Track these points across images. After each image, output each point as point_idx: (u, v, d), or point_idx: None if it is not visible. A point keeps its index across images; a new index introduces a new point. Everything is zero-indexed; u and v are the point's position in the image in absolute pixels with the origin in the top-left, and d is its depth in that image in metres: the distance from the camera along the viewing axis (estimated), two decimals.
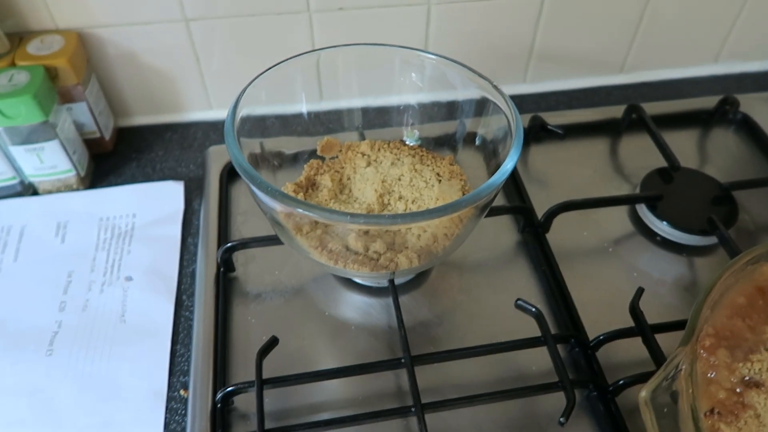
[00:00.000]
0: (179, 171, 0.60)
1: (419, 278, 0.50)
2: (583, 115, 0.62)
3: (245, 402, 0.42)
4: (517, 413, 0.42)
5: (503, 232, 0.53)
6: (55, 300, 0.49)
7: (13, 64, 0.52)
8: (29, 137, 0.52)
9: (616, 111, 0.62)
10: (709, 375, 0.30)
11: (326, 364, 0.43)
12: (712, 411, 0.29)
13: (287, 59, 0.45)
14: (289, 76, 0.46)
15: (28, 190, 0.56)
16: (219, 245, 0.51)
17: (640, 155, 0.59)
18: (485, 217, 0.47)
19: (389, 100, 0.51)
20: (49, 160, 0.54)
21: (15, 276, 0.51)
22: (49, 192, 0.56)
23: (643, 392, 0.29)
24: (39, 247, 0.53)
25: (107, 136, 0.60)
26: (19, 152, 0.52)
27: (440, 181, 0.47)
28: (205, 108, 0.65)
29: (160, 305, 0.49)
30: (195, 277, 0.50)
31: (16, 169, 0.54)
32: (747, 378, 0.30)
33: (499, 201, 0.55)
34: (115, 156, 0.61)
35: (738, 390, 0.30)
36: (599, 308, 0.47)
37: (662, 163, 0.56)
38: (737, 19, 0.66)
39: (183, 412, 0.43)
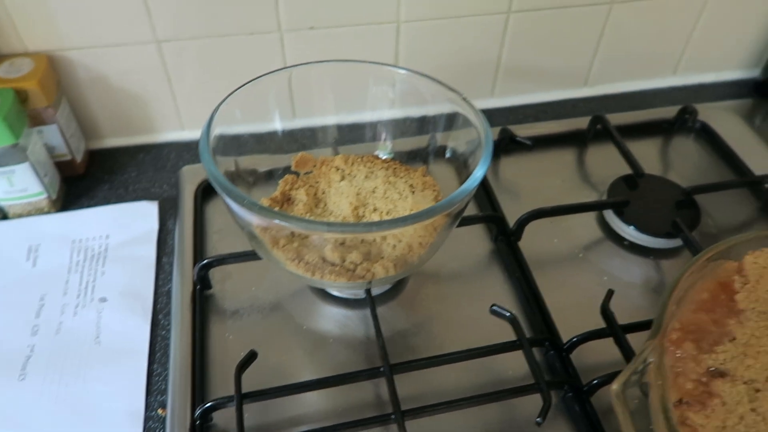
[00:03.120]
0: (153, 191, 0.60)
1: (396, 289, 0.50)
2: (550, 127, 0.64)
3: (225, 418, 0.42)
4: (496, 417, 0.42)
5: (477, 241, 0.54)
6: (27, 324, 0.48)
7: None
8: None
9: (582, 122, 0.64)
10: (676, 367, 0.31)
11: (306, 377, 0.43)
12: (680, 401, 0.30)
13: (260, 76, 0.46)
14: (262, 93, 0.47)
15: None
16: (195, 263, 0.51)
17: (606, 164, 0.61)
18: (459, 226, 0.48)
19: (362, 116, 0.52)
20: (20, 183, 0.53)
21: None
22: (20, 216, 0.56)
23: (615, 385, 0.30)
24: (9, 271, 0.52)
25: (79, 158, 0.60)
26: None
27: (414, 192, 0.48)
28: (177, 128, 0.65)
29: (135, 325, 0.48)
30: (171, 295, 0.50)
31: None
32: (712, 369, 0.31)
33: (472, 211, 0.56)
34: (87, 178, 0.60)
35: (704, 380, 0.31)
36: (572, 312, 0.48)
37: (627, 170, 0.58)
38: (693, 33, 0.69)
39: (161, 431, 0.42)
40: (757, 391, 0.31)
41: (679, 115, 0.65)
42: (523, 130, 0.62)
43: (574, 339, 0.44)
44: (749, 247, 0.37)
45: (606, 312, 0.44)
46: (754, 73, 0.75)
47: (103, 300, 0.50)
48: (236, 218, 0.42)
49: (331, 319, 0.49)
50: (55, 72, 0.56)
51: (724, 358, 0.31)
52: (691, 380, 0.30)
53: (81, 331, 0.48)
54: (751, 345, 0.32)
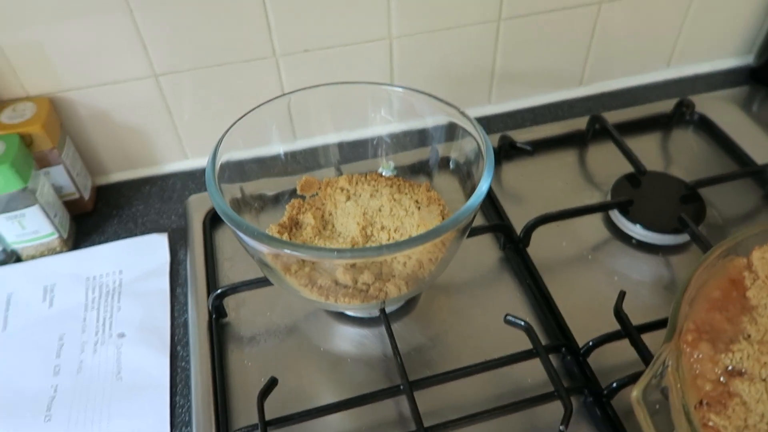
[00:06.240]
0: (161, 223, 0.60)
1: (409, 304, 0.51)
2: (549, 130, 0.65)
3: None
4: (518, 426, 0.42)
5: (485, 250, 0.55)
6: (48, 365, 0.49)
7: None
8: (8, 205, 0.52)
9: (580, 123, 0.64)
10: (694, 369, 0.32)
11: (327, 399, 0.44)
12: (701, 403, 0.31)
13: (260, 105, 0.47)
14: (263, 120, 0.47)
15: (11, 257, 0.56)
16: (209, 292, 0.51)
17: (607, 163, 0.61)
18: (467, 237, 0.48)
19: (362, 134, 0.53)
20: (31, 226, 0.54)
21: (5, 345, 0.50)
22: (33, 257, 0.56)
23: (635, 392, 0.31)
24: (27, 313, 0.52)
25: (86, 195, 0.60)
26: None
27: (419, 208, 0.49)
28: (180, 158, 0.65)
29: (155, 359, 0.49)
30: (188, 326, 0.51)
31: None
32: (730, 368, 0.32)
33: (478, 221, 0.57)
34: (96, 215, 0.61)
35: (723, 380, 0.31)
36: (585, 315, 0.48)
37: (629, 168, 0.58)
38: (683, 24, 0.69)
39: None
40: None
41: (676, 109, 0.65)
42: (523, 135, 0.62)
43: (590, 343, 0.44)
44: (756, 241, 0.37)
45: (620, 314, 0.44)
46: (747, 59, 0.75)
47: (122, 335, 0.51)
48: (247, 248, 0.42)
49: (347, 339, 0.49)
50: (57, 113, 0.57)
51: (740, 357, 0.32)
52: (709, 381, 0.31)
53: (102, 368, 0.49)
54: (766, 342, 0.32)
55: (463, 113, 0.46)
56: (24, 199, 0.52)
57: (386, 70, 0.64)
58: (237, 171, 0.47)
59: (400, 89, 0.49)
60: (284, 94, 0.48)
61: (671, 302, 0.48)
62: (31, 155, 0.53)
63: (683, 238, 0.52)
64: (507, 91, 0.70)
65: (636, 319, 0.45)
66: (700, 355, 0.32)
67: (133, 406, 0.46)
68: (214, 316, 0.50)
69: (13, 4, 0.51)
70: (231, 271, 0.54)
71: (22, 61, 0.54)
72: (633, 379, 0.42)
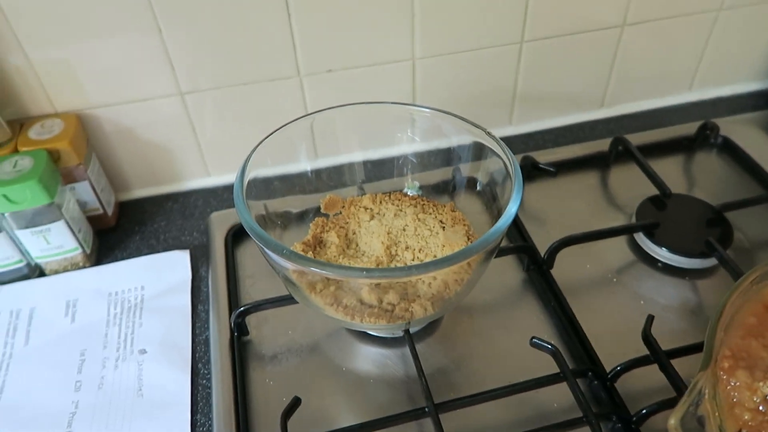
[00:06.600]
0: (183, 240, 0.60)
1: (432, 325, 0.50)
2: (571, 151, 0.65)
3: None
4: None
5: (509, 271, 0.54)
6: (69, 380, 0.49)
7: (15, 151, 0.53)
8: (34, 220, 0.52)
9: (603, 144, 0.64)
10: (732, 397, 0.31)
11: (350, 419, 0.43)
12: None
13: (289, 122, 0.47)
14: (291, 138, 0.48)
15: (35, 271, 0.56)
16: (230, 310, 0.51)
17: (631, 185, 0.61)
18: None
19: (387, 153, 0.53)
20: (55, 241, 0.54)
21: (27, 360, 0.50)
22: (56, 272, 0.57)
23: (672, 420, 0.30)
24: (49, 328, 0.53)
25: (110, 211, 0.61)
26: (25, 235, 0.53)
27: (444, 228, 0.48)
28: (203, 175, 0.66)
29: (176, 376, 0.49)
30: (209, 344, 0.51)
31: (23, 252, 0.55)
32: None
33: (502, 242, 0.56)
34: (118, 230, 0.61)
35: (761, 408, 0.30)
36: (611, 339, 0.47)
37: (653, 190, 0.58)
38: (705, 48, 0.70)
39: None
40: None
41: (699, 132, 0.65)
42: (544, 156, 0.62)
43: (618, 368, 0.44)
44: None
45: (648, 338, 0.43)
46: None
47: (143, 352, 0.50)
48: (273, 265, 0.42)
49: (370, 359, 0.49)
50: (84, 130, 0.58)
51: None
52: (748, 410, 0.30)
53: (123, 384, 0.48)
54: None
55: (489, 134, 0.46)
56: (50, 214, 0.52)
57: (408, 90, 0.64)
58: (263, 188, 0.47)
59: (427, 110, 0.49)
60: (313, 113, 0.49)
61: (699, 327, 0.49)
62: (57, 171, 0.54)
63: (710, 262, 0.52)
64: (528, 113, 0.70)
65: (663, 343, 0.44)
66: (738, 383, 0.31)
67: (153, 423, 0.46)
68: (236, 333, 0.50)
69: (45, 23, 0.52)
70: (252, 289, 0.54)
71: (51, 79, 0.55)
72: (662, 405, 0.41)
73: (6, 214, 0.51)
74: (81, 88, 0.56)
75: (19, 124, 0.56)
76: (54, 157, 0.54)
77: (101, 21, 0.52)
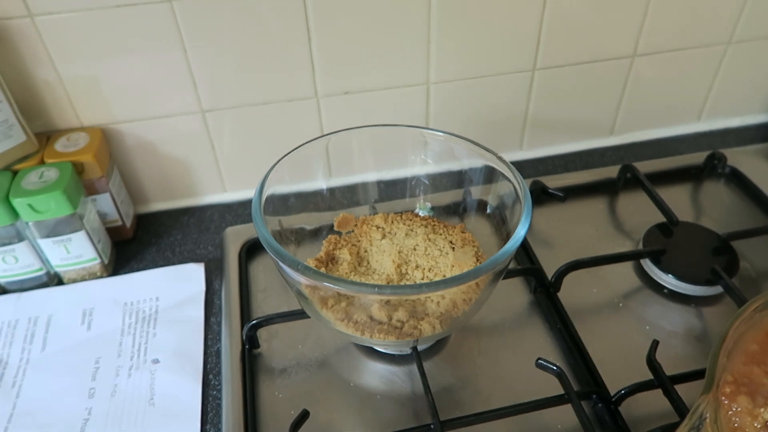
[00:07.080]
0: (198, 253, 0.62)
1: (439, 344, 0.51)
2: (580, 177, 0.66)
3: None
4: None
5: (516, 293, 0.55)
6: (84, 387, 0.50)
7: (42, 162, 0.55)
8: (56, 229, 0.54)
9: (611, 171, 0.65)
10: (733, 422, 0.32)
11: None
12: None
13: (307, 141, 0.49)
14: (309, 157, 0.49)
15: (54, 280, 0.58)
16: (242, 323, 0.52)
17: (638, 212, 0.62)
18: None
19: (400, 174, 0.54)
20: (75, 250, 0.56)
21: (43, 366, 0.52)
22: (74, 281, 0.58)
23: None
24: (66, 335, 0.54)
25: (128, 223, 0.62)
26: (47, 244, 0.55)
27: (454, 248, 0.49)
28: (219, 191, 0.67)
29: (187, 386, 0.50)
30: (220, 355, 0.52)
31: (43, 261, 0.56)
32: None
33: (510, 264, 0.57)
34: (135, 242, 0.63)
35: None
36: (616, 362, 0.48)
37: (659, 218, 0.58)
38: (715, 80, 0.71)
39: None
40: None
41: (707, 161, 0.66)
42: (554, 181, 0.64)
43: (622, 391, 0.44)
44: None
45: (653, 363, 0.44)
46: None
47: (156, 361, 0.52)
48: (287, 279, 0.43)
49: (377, 375, 0.49)
50: (107, 144, 0.60)
51: None
52: None
53: (136, 392, 0.49)
54: None
55: (501, 158, 0.47)
56: (71, 224, 0.54)
57: (422, 113, 0.66)
58: (280, 205, 0.48)
59: (440, 133, 0.50)
60: (330, 133, 0.50)
61: (703, 353, 0.49)
62: (81, 183, 0.56)
63: (716, 289, 0.53)
64: (539, 138, 0.71)
65: (668, 369, 0.44)
66: (739, 409, 0.32)
67: (164, 431, 0.47)
68: (247, 346, 0.51)
69: (75, 39, 0.54)
70: (264, 303, 0.56)
71: (78, 94, 0.57)
72: (665, 430, 0.41)
73: (30, 223, 0.53)
74: (106, 103, 0.58)
75: (46, 136, 0.58)
76: (78, 169, 0.56)
77: (129, 39, 0.55)
